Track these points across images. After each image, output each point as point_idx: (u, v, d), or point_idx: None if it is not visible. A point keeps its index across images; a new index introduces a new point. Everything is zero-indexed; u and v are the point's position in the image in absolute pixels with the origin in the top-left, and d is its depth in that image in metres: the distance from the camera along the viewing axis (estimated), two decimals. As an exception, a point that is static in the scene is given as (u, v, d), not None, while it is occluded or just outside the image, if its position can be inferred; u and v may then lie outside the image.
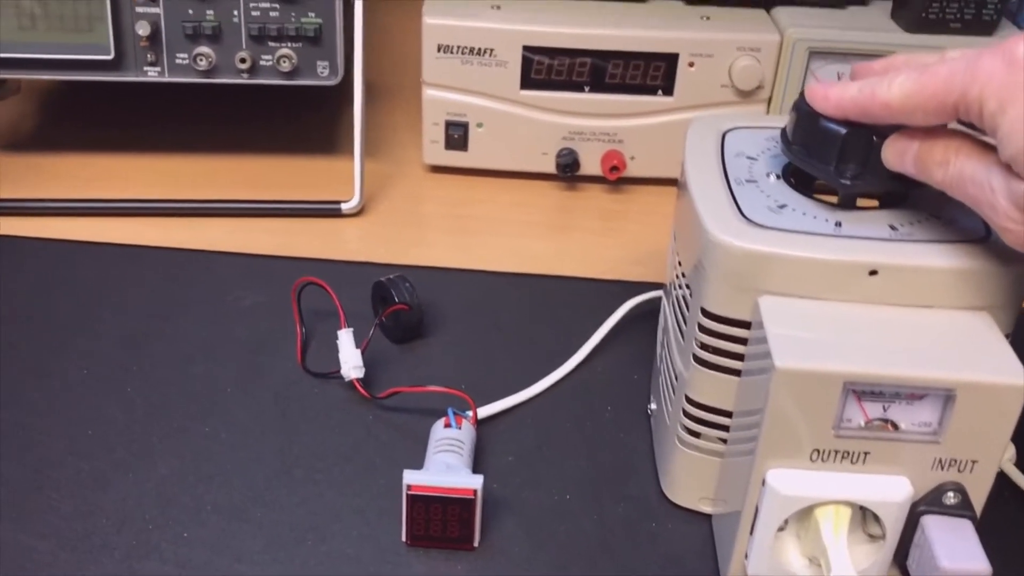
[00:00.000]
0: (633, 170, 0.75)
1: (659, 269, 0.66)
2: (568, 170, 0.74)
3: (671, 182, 0.76)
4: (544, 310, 0.64)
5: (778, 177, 0.46)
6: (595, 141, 0.74)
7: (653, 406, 0.54)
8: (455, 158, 0.75)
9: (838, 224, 0.43)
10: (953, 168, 0.38)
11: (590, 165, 0.75)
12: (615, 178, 0.74)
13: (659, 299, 0.57)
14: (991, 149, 0.37)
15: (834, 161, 0.43)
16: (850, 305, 0.41)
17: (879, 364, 0.39)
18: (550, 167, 0.75)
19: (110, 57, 0.66)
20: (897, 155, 0.41)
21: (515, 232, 0.72)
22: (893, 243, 0.42)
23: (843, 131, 0.42)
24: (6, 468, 0.50)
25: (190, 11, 0.66)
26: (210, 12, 0.66)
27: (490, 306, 0.64)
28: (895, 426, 0.40)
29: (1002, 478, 0.50)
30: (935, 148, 0.39)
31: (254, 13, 0.66)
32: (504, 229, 0.72)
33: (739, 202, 0.44)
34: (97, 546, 0.47)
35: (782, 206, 0.44)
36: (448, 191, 0.76)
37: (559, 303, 0.64)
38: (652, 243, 0.71)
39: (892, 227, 0.43)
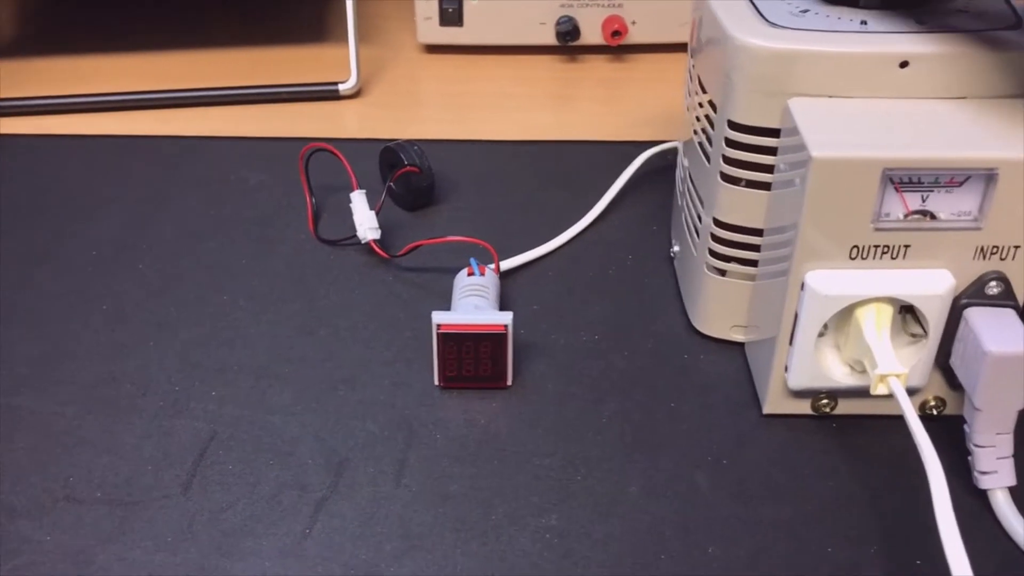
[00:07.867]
0: (635, 36, 0.73)
1: (667, 129, 0.65)
2: (568, 38, 0.72)
3: (673, 48, 0.75)
4: (553, 175, 0.63)
5: (798, -13, 0.45)
6: (594, 7, 0.72)
7: (676, 248, 0.53)
8: (451, 35, 0.73)
9: (863, 22, 0.42)
10: None
11: (591, 34, 0.73)
12: (617, 44, 0.73)
13: (672, 152, 0.55)
14: None
15: None
16: (882, 100, 0.40)
17: (919, 148, 0.38)
18: (550, 38, 0.73)
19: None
20: None
21: (517, 106, 0.70)
22: (922, 34, 0.41)
23: None
24: (20, 348, 0.49)
25: None
26: None
27: (498, 174, 0.63)
28: (934, 216, 0.39)
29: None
30: None
31: None
32: (505, 103, 0.70)
33: (761, 10, 0.43)
34: (124, 408, 0.46)
35: (804, 11, 0.43)
36: (446, 70, 0.74)
37: (568, 167, 0.63)
38: (658, 107, 0.69)
39: (920, 21, 0.42)
